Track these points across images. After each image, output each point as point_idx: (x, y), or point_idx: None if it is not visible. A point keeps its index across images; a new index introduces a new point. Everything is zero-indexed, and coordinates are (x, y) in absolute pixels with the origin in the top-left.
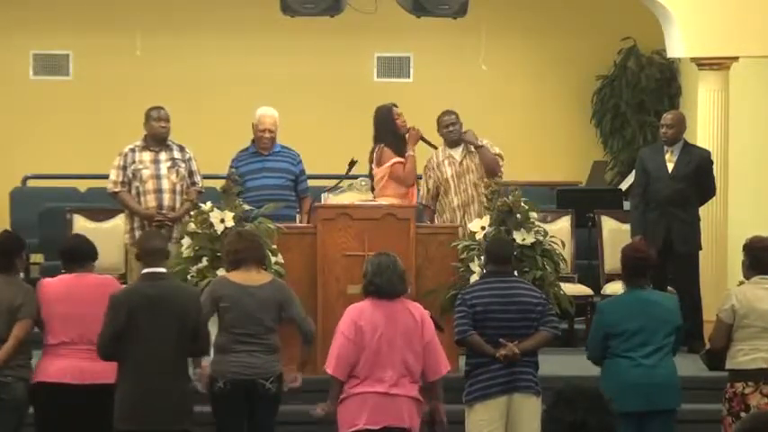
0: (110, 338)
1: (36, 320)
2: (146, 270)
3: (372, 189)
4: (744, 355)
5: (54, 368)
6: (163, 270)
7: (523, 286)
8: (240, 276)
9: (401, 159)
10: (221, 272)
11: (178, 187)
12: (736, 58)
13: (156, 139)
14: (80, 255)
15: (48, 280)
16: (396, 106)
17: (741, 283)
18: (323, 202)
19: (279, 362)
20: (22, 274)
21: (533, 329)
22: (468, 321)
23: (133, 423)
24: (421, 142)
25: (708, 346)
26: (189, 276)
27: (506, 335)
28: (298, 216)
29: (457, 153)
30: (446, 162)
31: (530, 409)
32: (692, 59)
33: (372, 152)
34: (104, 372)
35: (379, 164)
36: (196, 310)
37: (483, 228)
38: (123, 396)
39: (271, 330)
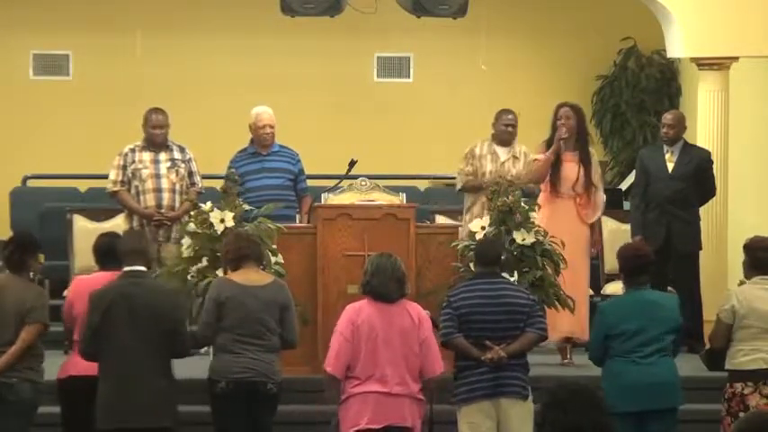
0: (89, 337)
1: (47, 324)
2: (126, 268)
3: None
4: (744, 356)
5: (84, 362)
6: (142, 269)
7: (510, 287)
8: (242, 277)
9: (538, 157)
10: (221, 272)
11: (177, 187)
12: (736, 58)
13: (153, 144)
14: (114, 253)
15: (81, 277)
16: (566, 106)
17: (742, 282)
18: (323, 202)
19: (280, 362)
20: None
21: (520, 330)
22: (453, 324)
23: (112, 421)
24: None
25: (708, 345)
26: (189, 276)
27: (492, 336)
28: (297, 216)
29: (502, 152)
30: (489, 157)
31: (518, 413)
32: (692, 59)
33: None
34: None
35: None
36: (172, 310)
37: (483, 228)
38: (102, 394)
39: (272, 331)
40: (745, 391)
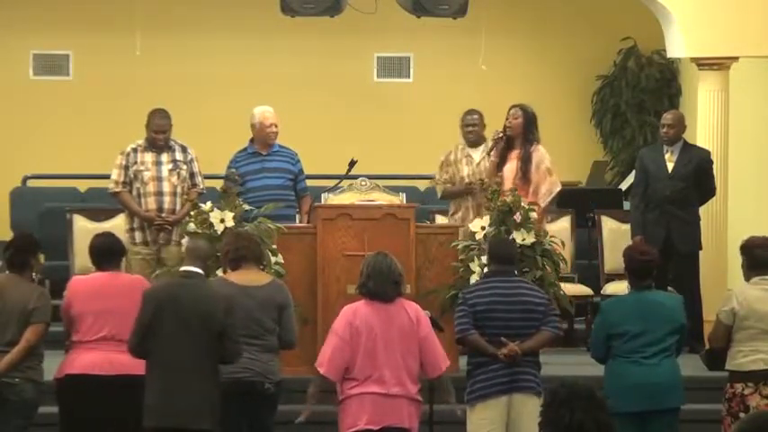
0: (138, 334)
1: (49, 324)
2: (182, 268)
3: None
4: (744, 357)
5: (82, 361)
6: (197, 270)
7: (526, 286)
8: (239, 277)
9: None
10: (221, 272)
11: (179, 189)
12: (736, 58)
13: (155, 146)
14: (111, 253)
15: (79, 277)
16: (515, 107)
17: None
18: (323, 202)
19: (278, 362)
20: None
21: (535, 329)
22: (469, 320)
23: (156, 419)
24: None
25: (708, 346)
26: None
27: (508, 334)
28: (297, 216)
29: (476, 153)
30: (464, 161)
31: (530, 409)
32: (692, 59)
33: None
34: (133, 364)
35: None
36: (223, 314)
37: (483, 228)
38: (148, 392)
39: (270, 331)
40: (746, 392)
